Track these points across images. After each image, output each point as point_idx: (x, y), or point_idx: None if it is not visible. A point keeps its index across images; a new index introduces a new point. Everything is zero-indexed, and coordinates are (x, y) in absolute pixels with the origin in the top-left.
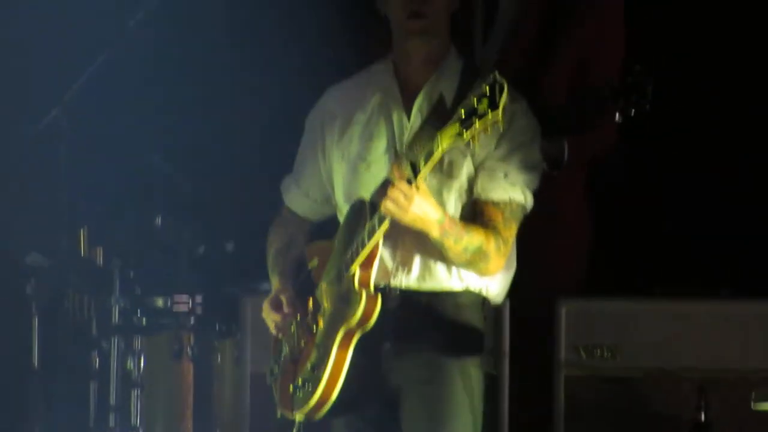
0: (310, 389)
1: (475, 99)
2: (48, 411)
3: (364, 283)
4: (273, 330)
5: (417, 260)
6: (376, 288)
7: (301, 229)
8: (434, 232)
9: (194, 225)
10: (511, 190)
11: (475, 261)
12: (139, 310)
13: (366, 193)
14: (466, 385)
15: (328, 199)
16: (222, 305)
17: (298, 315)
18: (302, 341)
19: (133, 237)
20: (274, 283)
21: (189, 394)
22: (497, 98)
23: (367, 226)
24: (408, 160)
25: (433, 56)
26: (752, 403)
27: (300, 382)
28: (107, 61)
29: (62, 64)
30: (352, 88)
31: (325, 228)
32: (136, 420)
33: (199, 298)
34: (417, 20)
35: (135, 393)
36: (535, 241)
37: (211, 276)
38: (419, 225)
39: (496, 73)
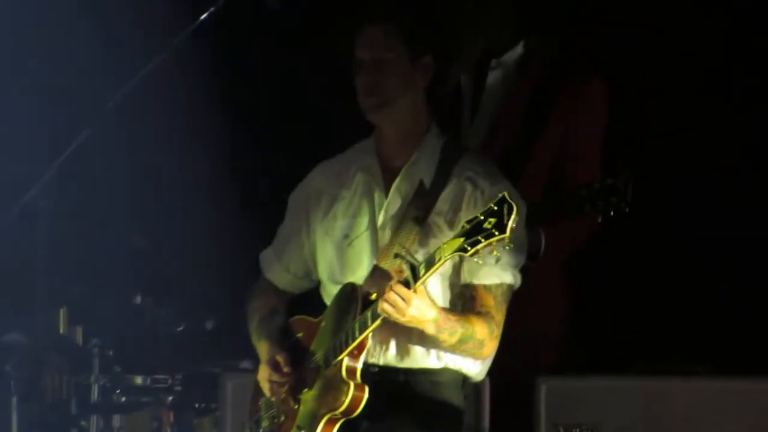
0: None
1: (481, 215)
2: None
3: (352, 373)
4: (269, 393)
5: (394, 339)
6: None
7: (281, 301)
8: (429, 330)
9: (174, 303)
10: (502, 273)
11: (470, 349)
12: (118, 389)
13: (348, 270)
14: None
15: (309, 275)
16: (201, 383)
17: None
18: (282, 416)
19: (113, 315)
20: (263, 348)
21: None
22: (505, 219)
23: (358, 318)
24: (407, 261)
25: (409, 134)
26: None
27: None
28: (86, 142)
29: (41, 144)
30: (338, 166)
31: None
32: None
33: (178, 376)
34: (368, 98)
35: None
36: (514, 320)
37: (191, 354)
38: (414, 324)
39: (506, 194)
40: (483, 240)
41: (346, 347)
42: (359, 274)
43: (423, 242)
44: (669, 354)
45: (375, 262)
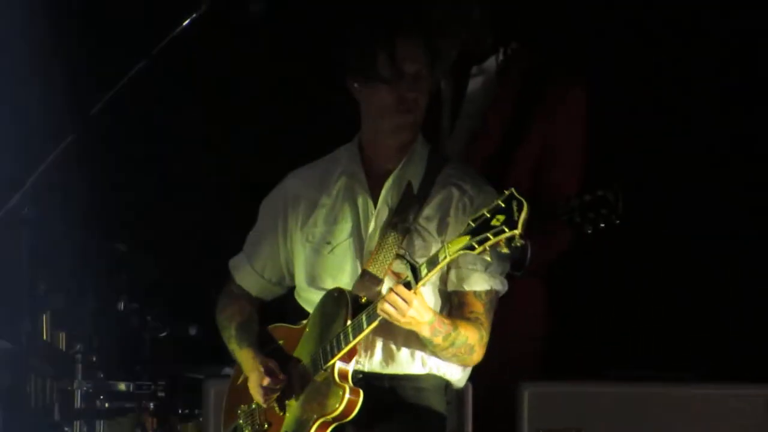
0: None
1: (487, 212)
2: None
3: (344, 377)
4: (262, 400)
5: (380, 344)
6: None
7: (255, 307)
8: (425, 332)
9: (157, 309)
10: (491, 280)
11: (460, 354)
12: (101, 394)
13: (329, 276)
14: None
15: (282, 281)
16: (185, 389)
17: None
18: (266, 424)
19: (96, 321)
20: (246, 355)
21: None
22: (515, 216)
23: (351, 322)
24: (407, 261)
25: (405, 145)
26: None
27: None
28: (70, 147)
29: (24, 148)
30: (317, 171)
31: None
32: None
33: (161, 382)
34: (405, 115)
35: None
36: (497, 326)
37: (174, 360)
38: (412, 326)
39: (514, 190)
40: (492, 237)
41: (339, 351)
42: (342, 280)
43: (410, 247)
44: (651, 360)
45: (363, 267)
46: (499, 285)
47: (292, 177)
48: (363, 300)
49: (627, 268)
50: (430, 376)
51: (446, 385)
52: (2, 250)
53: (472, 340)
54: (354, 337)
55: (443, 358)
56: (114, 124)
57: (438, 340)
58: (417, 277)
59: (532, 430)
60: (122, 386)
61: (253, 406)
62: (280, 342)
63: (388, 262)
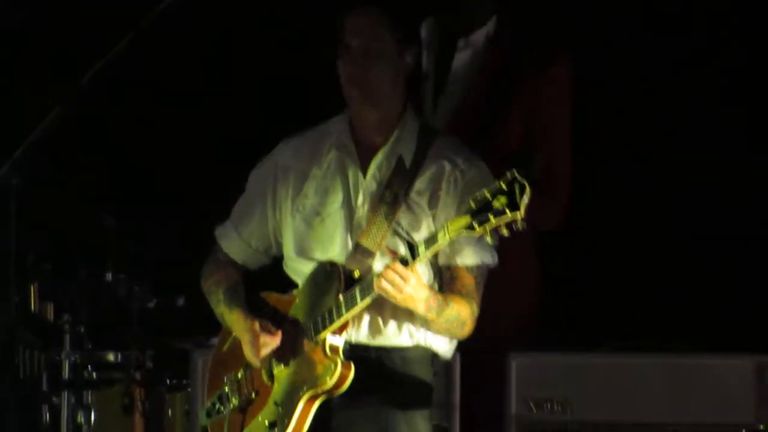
0: None
1: (488, 193)
2: None
3: (335, 350)
4: (257, 359)
5: (367, 317)
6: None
7: (240, 274)
8: (419, 309)
9: (144, 280)
10: (482, 254)
11: (452, 328)
12: (89, 365)
13: (319, 246)
14: None
15: (268, 250)
16: (172, 359)
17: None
18: (253, 393)
19: (84, 292)
20: (236, 316)
21: None
22: (517, 198)
23: (343, 296)
24: (404, 239)
25: (385, 119)
26: None
27: None
28: (58, 118)
29: (12, 119)
30: (308, 142)
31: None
32: None
33: (149, 352)
34: (354, 89)
35: None
36: (485, 296)
37: (162, 330)
38: (407, 303)
39: (515, 171)
40: (493, 219)
41: (330, 324)
42: (331, 251)
43: (402, 221)
44: (639, 330)
45: (357, 240)
46: (490, 259)
47: (282, 146)
48: (356, 274)
49: (619, 238)
50: (417, 348)
51: (433, 355)
52: None
53: (464, 314)
54: (347, 311)
55: (435, 332)
56: (103, 95)
57: (432, 315)
58: (414, 254)
59: (520, 401)
60: (110, 357)
61: (240, 375)
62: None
63: (380, 236)
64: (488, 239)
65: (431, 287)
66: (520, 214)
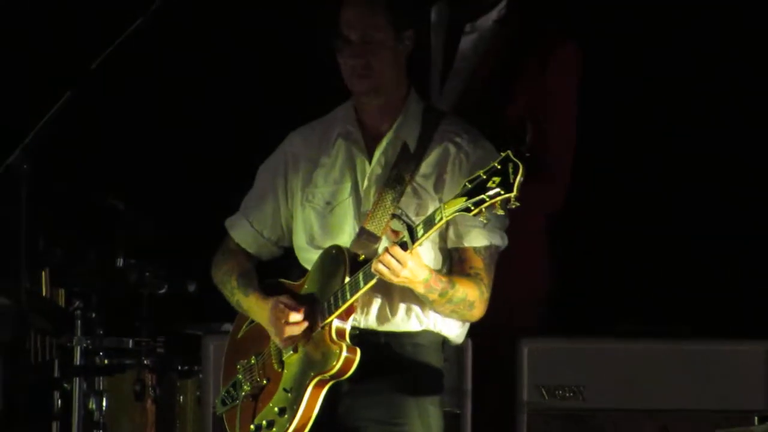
0: None
1: (483, 174)
2: None
3: (341, 335)
4: (282, 339)
5: (376, 302)
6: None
7: (253, 264)
8: (419, 290)
9: (156, 265)
10: (491, 235)
11: (459, 310)
12: (101, 351)
13: (329, 235)
14: (424, 424)
15: (280, 240)
16: (184, 345)
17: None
18: (265, 380)
19: (95, 278)
20: (253, 298)
21: None
22: (511, 178)
23: (348, 280)
24: (404, 222)
25: (389, 105)
26: None
27: (264, 424)
28: (69, 103)
29: (22, 105)
30: (316, 132)
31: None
32: None
33: (160, 338)
34: (359, 81)
35: None
36: (497, 282)
37: (173, 316)
38: (406, 284)
39: (510, 152)
40: (488, 199)
41: (336, 309)
42: (341, 239)
43: (408, 205)
44: (651, 317)
45: (361, 225)
46: (499, 240)
47: (291, 137)
48: (361, 258)
49: (632, 224)
50: (426, 332)
51: (443, 341)
52: (1, 207)
53: (472, 296)
54: (351, 296)
55: (442, 314)
56: (114, 79)
57: (434, 296)
58: (413, 237)
59: (532, 387)
60: (121, 343)
61: (252, 361)
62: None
63: (385, 219)
64: (482, 219)
65: (437, 269)
66: (513, 195)
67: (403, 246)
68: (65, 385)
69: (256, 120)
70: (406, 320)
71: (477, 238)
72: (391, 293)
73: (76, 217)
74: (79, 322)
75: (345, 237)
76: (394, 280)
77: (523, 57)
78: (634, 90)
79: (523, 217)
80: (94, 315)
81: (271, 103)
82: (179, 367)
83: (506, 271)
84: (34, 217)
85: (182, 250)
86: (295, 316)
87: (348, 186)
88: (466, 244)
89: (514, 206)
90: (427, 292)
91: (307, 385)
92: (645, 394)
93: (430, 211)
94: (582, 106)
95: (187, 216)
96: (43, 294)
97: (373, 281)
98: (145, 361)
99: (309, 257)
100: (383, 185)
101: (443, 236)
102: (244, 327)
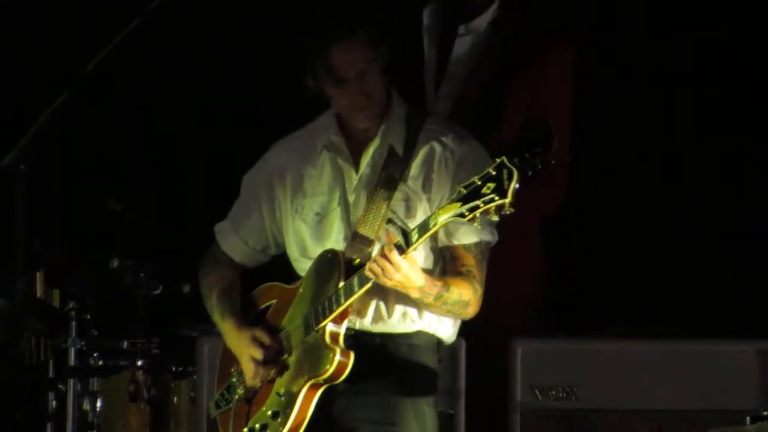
0: None
1: (478, 180)
2: None
3: (335, 339)
4: (252, 372)
5: (372, 304)
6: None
7: (237, 274)
8: (414, 294)
9: (151, 266)
10: (480, 232)
11: (455, 310)
12: (95, 352)
13: (319, 244)
14: (420, 424)
15: (267, 249)
16: (178, 346)
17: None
18: (258, 384)
19: (90, 279)
20: (229, 326)
21: None
22: (505, 185)
23: (343, 284)
24: (398, 226)
25: (373, 113)
26: None
27: (258, 427)
28: (65, 103)
29: (19, 105)
30: (300, 142)
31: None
32: None
33: (155, 339)
34: (361, 112)
35: None
36: (491, 282)
37: (168, 317)
38: (399, 288)
39: (505, 158)
40: (482, 205)
41: (330, 313)
42: (330, 246)
43: (398, 207)
44: (644, 317)
45: (354, 229)
46: (489, 236)
47: (275, 149)
48: (356, 262)
49: (625, 225)
50: (421, 333)
51: (438, 342)
52: None
53: (466, 296)
54: (346, 300)
55: (437, 314)
56: (111, 79)
57: (429, 300)
58: (408, 242)
59: (525, 387)
60: (116, 344)
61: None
62: (273, 301)
63: (377, 223)
64: (477, 225)
65: (431, 272)
66: (508, 201)
67: (399, 250)
68: (60, 386)
69: (256, 120)
70: (402, 321)
71: (466, 235)
72: (387, 295)
73: (72, 219)
74: (73, 323)
75: (338, 246)
76: (388, 283)
77: (518, 59)
78: (634, 90)
79: (518, 219)
80: (88, 316)
81: (271, 103)
82: (174, 369)
83: (500, 272)
84: (30, 218)
85: (177, 252)
86: (264, 354)
87: (336, 196)
88: (456, 242)
89: (508, 212)
90: (422, 296)
91: (300, 389)
92: (639, 394)
93: (420, 211)
94: (582, 106)
95: (183, 217)
96: (38, 295)
97: (368, 286)
98: (140, 362)
99: (304, 267)
100: (373, 189)
101: (434, 236)
102: None
